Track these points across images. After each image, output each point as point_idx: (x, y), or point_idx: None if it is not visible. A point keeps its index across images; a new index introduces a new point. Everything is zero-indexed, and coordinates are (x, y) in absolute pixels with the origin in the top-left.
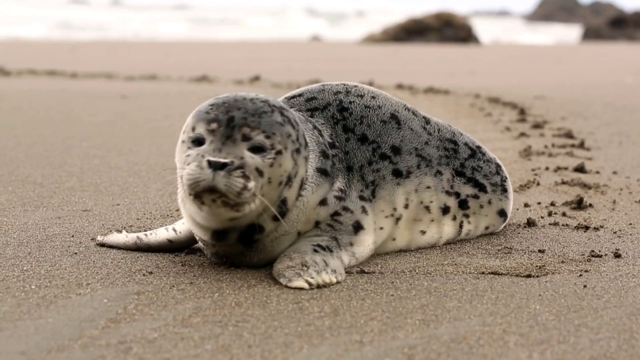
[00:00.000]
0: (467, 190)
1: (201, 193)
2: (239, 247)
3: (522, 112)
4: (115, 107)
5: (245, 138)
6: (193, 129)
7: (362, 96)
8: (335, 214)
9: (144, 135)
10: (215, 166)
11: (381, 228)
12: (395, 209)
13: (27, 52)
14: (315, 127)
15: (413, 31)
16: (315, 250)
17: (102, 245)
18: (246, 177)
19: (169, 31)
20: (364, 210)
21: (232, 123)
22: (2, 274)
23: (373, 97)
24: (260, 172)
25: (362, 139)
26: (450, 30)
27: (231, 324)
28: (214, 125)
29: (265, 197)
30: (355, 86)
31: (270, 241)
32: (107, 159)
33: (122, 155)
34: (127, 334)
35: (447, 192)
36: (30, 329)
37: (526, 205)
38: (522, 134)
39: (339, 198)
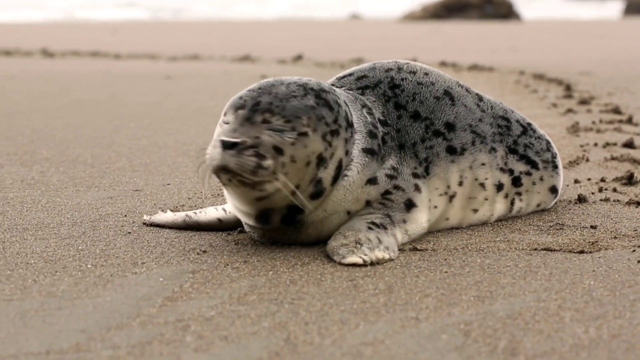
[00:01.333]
0: (520, 167)
1: (217, 172)
2: (284, 229)
3: (568, 88)
4: (160, 87)
5: (265, 121)
6: (225, 113)
7: (414, 72)
8: (387, 192)
9: (190, 115)
10: (225, 145)
11: (435, 207)
12: (449, 187)
13: (68, 34)
14: (364, 106)
15: (453, 8)
16: (369, 228)
17: (150, 224)
18: (260, 156)
19: (209, 10)
20: (417, 188)
21: (255, 107)
22: (59, 254)
23: (426, 74)
24: (279, 150)
25: (414, 116)
26: (490, 6)
27: (287, 301)
28: (240, 111)
29: (291, 176)
30: (407, 63)
31: (317, 221)
32: (155, 139)
33: (169, 135)
34: (184, 312)
35: (502, 169)
36: (89, 307)
37: (576, 181)
38: (569, 110)
39: (390, 177)
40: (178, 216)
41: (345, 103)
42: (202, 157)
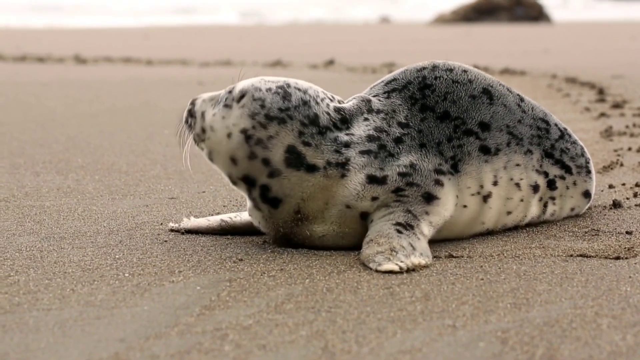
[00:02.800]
0: (554, 171)
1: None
2: (274, 213)
3: (600, 91)
4: (192, 93)
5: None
6: None
7: (451, 70)
8: (398, 189)
9: None
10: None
11: (465, 206)
12: (482, 187)
13: (101, 40)
14: (379, 111)
15: (483, 11)
16: (398, 232)
17: (186, 232)
18: (191, 113)
19: (240, 14)
20: (439, 183)
21: None
22: (96, 262)
23: (465, 71)
24: (203, 117)
25: (442, 117)
26: (521, 9)
27: (324, 309)
28: None
29: (214, 144)
30: (445, 62)
31: (318, 213)
32: (189, 146)
33: None
34: (222, 321)
35: (537, 171)
36: (127, 316)
37: (610, 186)
38: (602, 114)
39: (403, 174)
40: (212, 221)
41: (330, 114)
42: None
